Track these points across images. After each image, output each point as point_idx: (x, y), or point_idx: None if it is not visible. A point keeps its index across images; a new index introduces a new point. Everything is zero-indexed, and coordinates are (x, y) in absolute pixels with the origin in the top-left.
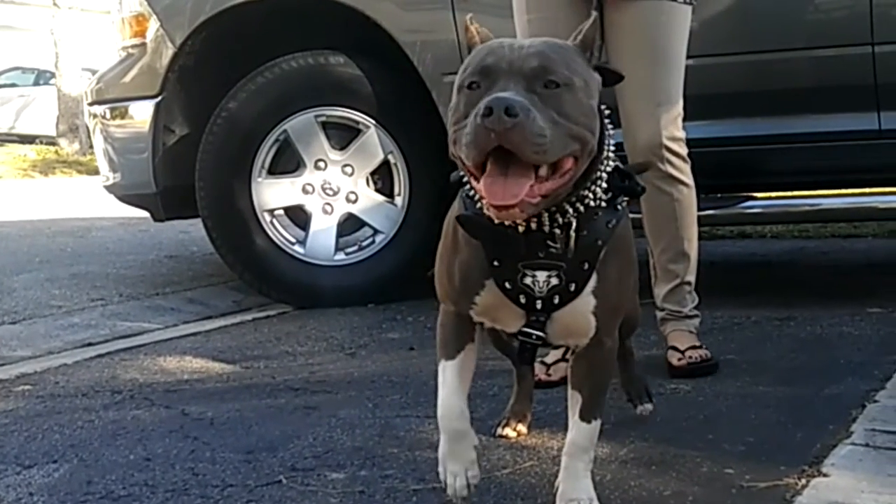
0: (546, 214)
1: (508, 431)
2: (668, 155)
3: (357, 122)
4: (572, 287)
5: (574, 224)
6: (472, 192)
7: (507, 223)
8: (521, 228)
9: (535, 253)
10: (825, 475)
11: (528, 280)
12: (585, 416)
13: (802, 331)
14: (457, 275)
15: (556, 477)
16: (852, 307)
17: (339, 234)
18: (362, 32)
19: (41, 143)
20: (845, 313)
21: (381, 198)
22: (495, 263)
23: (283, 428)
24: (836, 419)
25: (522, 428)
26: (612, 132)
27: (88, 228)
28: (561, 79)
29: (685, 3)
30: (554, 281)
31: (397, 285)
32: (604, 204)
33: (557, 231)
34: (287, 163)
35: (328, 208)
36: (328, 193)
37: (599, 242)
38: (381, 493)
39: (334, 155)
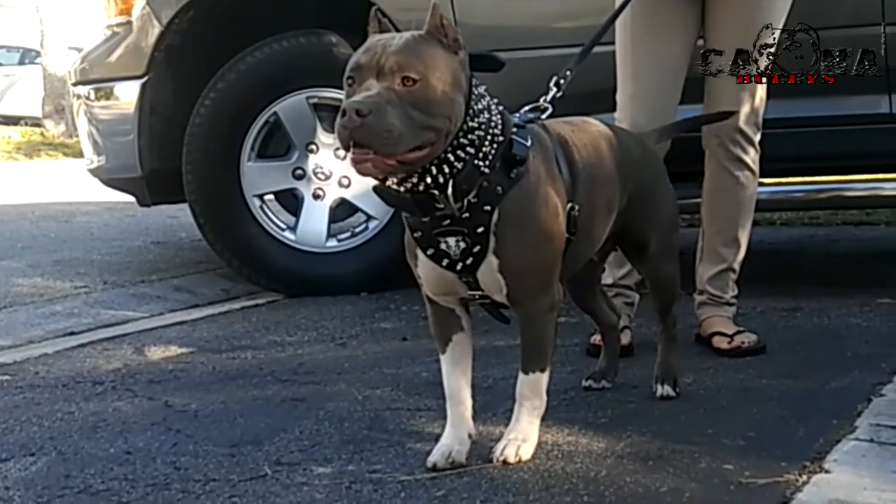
0: (416, 177)
1: (591, 383)
2: (740, 138)
3: None
4: (476, 249)
5: (451, 186)
6: None
7: (401, 189)
8: (402, 189)
9: (439, 221)
10: (827, 471)
11: (443, 246)
12: (524, 368)
13: (809, 322)
14: (407, 251)
15: (549, 472)
16: (861, 298)
17: (331, 220)
18: (356, 11)
19: (26, 124)
20: (854, 304)
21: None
22: (416, 235)
23: (269, 420)
24: (841, 413)
25: (606, 383)
26: (493, 105)
27: (73, 213)
28: (417, 74)
29: None
30: (462, 244)
31: (391, 273)
32: (486, 171)
33: (436, 192)
34: (277, 146)
35: (320, 193)
36: (320, 178)
37: (488, 207)
38: (369, 488)
39: (326, 138)
